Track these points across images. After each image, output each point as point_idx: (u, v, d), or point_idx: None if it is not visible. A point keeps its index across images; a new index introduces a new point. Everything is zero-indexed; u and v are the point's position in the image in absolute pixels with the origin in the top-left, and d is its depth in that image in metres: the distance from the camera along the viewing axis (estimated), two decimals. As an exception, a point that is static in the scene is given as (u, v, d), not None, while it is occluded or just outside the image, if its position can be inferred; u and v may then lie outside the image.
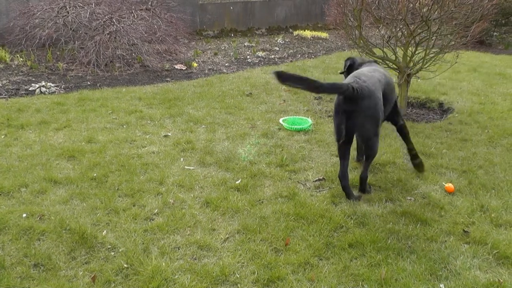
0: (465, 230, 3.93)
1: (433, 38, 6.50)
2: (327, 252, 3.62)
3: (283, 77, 3.94)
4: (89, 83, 8.45)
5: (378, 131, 4.38)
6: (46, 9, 9.84)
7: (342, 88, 4.14)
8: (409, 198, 4.47)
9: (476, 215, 4.17)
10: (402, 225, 3.99)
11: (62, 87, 8.11)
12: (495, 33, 13.04)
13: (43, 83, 7.97)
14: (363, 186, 4.53)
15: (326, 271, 3.40)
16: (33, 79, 8.46)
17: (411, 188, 4.65)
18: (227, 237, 3.79)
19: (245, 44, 12.60)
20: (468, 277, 3.36)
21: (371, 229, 3.90)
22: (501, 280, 3.31)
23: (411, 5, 6.27)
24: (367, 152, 4.48)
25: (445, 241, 3.79)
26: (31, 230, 3.80)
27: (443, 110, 7.33)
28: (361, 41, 6.74)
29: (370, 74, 4.48)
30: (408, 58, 6.60)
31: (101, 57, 9.19)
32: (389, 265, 3.46)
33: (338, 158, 4.63)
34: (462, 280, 3.33)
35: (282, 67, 9.92)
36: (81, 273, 3.34)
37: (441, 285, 3.28)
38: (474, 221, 4.06)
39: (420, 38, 6.50)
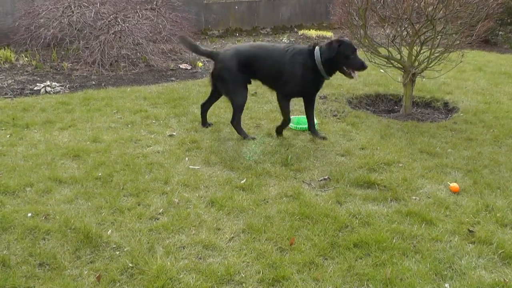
0: (470, 229, 3.92)
1: (438, 37, 6.49)
2: (332, 251, 3.61)
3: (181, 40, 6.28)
4: (94, 82, 8.47)
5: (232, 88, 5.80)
6: (51, 8, 9.86)
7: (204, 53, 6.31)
8: (414, 197, 4.46)
9: (481, 214, 4.16)
10: (407, 225, 3.98)
11: (67, 86, 8.13)
12: (500, 32, 12.99)
13: (48, 83, 8.00)
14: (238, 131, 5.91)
15: (331, 271, 3.39)
16: (38, 79, 8.49)
17: (416, 188, 4.64)
18: (232, 237, 3.79)
19: (250, 44, 12.59)
20: (473, 277, 3.35)
21: (376, 228, 3.90)
22: (507, 280, 3.30)
23: (416, 4, 6.27)
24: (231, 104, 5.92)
25: (450, 240, 3.78)
26: (36, 230, 3.81)
27: (448, 109, 7.32)
28: (366, 41, 6.73)
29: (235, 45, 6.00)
30: (413, 58, 6.58)
31: (106, 56, 9.20)
32: (394, 264, 3.46)
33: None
34: (467, 280, 3.32)
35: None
36: (86, 272, 3.35)
37: (446, 285, 3.28)
38: (479, 221, 4.05)
39: (425, 37, 6.49)
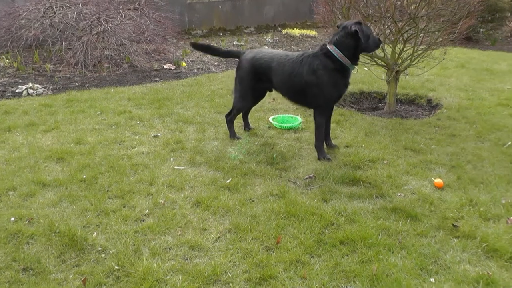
0: (455, 224, 3.95)
1: (421, 35, 6.52)
2: (318, 249, 3.62)
3: (194, 46, 6.09)
4: (77, 84, 8.41)
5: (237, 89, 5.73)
6: (32, 9, 9.78)
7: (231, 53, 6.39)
8: (399, 194, 4.48)
9: (465, 209, 4.19)
10: (392, 221, 4.01)
11: (50, 88, 8.06)
12: (481, 30, 13.12)
13: (30, 85, 7.92)
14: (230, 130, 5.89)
15: (317, 268, 3.40)
16: (20, 81, 8.41)
17: (401, 184, 4.67)
18: (219, 237, 3.78)
19: (234, 43, 12.58)
20: (458, 271, 3.38)
21: (362, 225, 3.92)
22: (490, 273, 3.33)
23: (399, 2, 6.30)
24: None
25: (435, 235, 3.81)
26: (20, 234, 3.77)
27: (431, 106, 7.37)
28: (349, 39, 6.74)
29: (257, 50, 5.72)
30: (397, 55, 6.62)
31: (89, 57, 9.15)
32: (380, 261, 3.48)
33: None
34: (452, 274, 3.35)
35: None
36: (71, 276, 3.32)
37: (431, 279, 3.30)
38: (463, 216, 4.09)
39: (408, 35, 6.53)
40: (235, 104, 5.81)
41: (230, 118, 5.85)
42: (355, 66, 5.14)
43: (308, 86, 5.13)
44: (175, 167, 5.01)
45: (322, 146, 5.31)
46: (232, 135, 5.83)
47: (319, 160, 5.20)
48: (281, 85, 5.41)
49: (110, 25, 9.59)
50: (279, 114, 6.65)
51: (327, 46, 5.06)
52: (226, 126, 5.89)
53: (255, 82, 5.56)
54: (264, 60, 5.42)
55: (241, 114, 6.02)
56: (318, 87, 5.09)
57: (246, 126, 6.15)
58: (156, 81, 8.73)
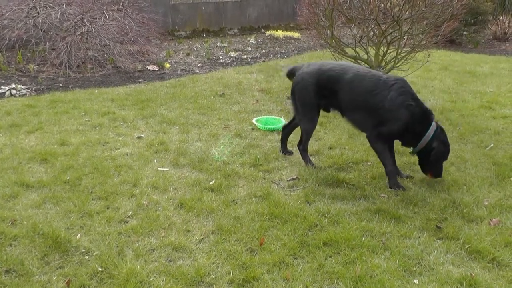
0: (438, 226, 3.98)
1: (405, 37, 6.58)
2: (302, 251, 3.63)
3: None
4: (61, 84, 8.35)
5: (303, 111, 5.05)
6: (15, 9, 9.68)
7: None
8: (382, 195, 4.51)
9: (448, 211, 4.23)
10: (376, 222, 4.03)
11: (33, 89, 7.99)
12: (464, 32, 13.23)
13: (13, 85, 7.85)
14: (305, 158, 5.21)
15: (301, 270, 3.41)
16: (3, 81, 8.32)
17: (384, 186, 4.70)
18: (202, 238, 3.78)
19: (218, 45, 12.57)
20: (442, 272, 3.41)
21: (346, 227, 3.93)
22: (473, 274, 3.36)
23: (383, 5, 6.35)
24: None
25: (419, 237, 3.84)
26: (3, 236, 3.73)
27: (415, 108, 7.41)
28: (333, 41, 6.79)
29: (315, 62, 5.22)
30: (380, 57, 6.67)
31: (73, 58, 9.08)
32: (363, 262, 3.49)
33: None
34: (436, 275, 3.38)
35: (254, 67, 9.92)
36: (55, 278, 3.30)
37: (415, 281, 3.33)
38: (447, 217, 4.12)
39: (392, 37, 6.58)
40: (303, 129, 5.17)
41: (302, 147, 5.21)
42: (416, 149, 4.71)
43: (381, 111, 4.60)
44: (159, 169, 4.99)
45: (395, 173, 4.74)
46: (310, 163, 5.13)
47: (390, 188, 4.65)
48: (349, 102, 4.82)
49: (94, 25, 9.53)
50: (263, 115, 6.66)
51: (432, 116, 4.78)
52: (301, 156, 5.25)
53: (320, 99, 4.96)
54: (336, 72, 4.82)
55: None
56: (392, 119, 4.61)
57: (285, 150, 5.48)
58: (139, 82, 8.70)
